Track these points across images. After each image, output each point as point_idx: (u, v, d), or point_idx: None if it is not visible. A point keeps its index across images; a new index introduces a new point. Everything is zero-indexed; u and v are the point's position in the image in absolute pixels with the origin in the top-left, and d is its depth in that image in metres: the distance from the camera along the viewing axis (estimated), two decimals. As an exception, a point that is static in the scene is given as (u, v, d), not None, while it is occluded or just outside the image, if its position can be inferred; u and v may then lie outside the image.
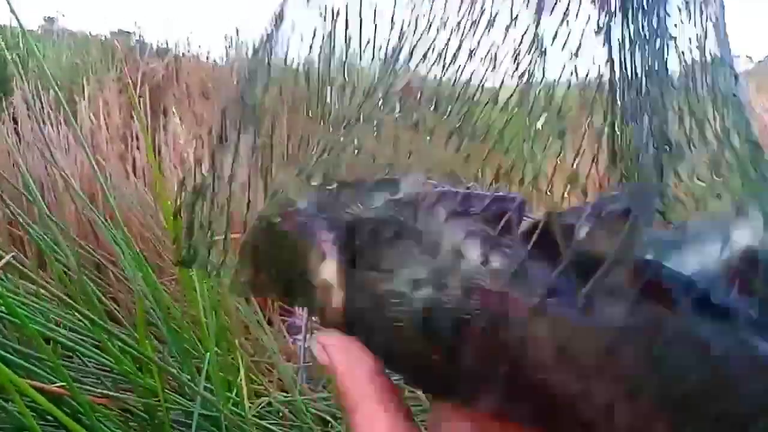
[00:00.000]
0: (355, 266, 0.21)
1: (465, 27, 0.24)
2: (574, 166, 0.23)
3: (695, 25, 0.22)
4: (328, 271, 0.22)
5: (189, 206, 0.27)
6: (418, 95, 0.25)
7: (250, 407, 0.79)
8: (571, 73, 0.23)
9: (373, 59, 0.26)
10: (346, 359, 0.20)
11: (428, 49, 0.25)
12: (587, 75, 0.22)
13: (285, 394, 0.90)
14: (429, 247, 0.19)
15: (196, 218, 0.27)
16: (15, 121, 1.95)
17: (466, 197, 0.20)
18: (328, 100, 0.27)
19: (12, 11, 0.71)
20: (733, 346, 0.15)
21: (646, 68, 0.21)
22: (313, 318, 0.23)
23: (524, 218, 0.19)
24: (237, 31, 4.63)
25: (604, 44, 0.21)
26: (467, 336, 0.18)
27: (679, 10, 0.22)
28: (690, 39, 0.22)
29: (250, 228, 0.25)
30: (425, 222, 0.20)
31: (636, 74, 0.21)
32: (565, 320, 0.16)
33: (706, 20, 0.22)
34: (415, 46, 0.25)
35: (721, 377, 0.15)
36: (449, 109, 0.25)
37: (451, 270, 0.18)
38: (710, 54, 0.22)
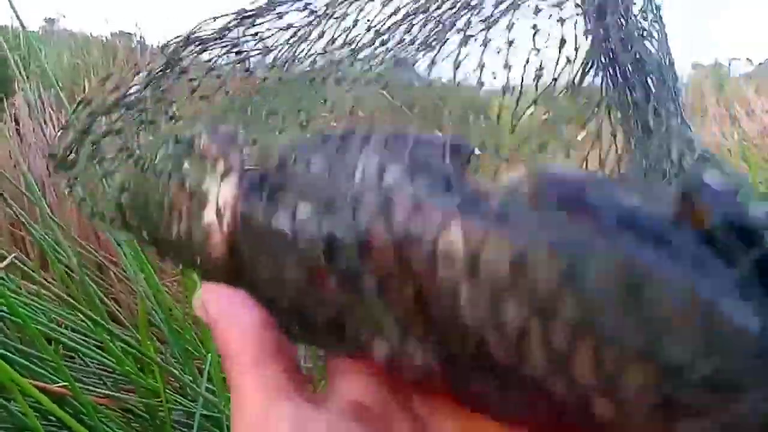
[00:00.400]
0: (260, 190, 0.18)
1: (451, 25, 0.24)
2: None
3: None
4: (227, 189, 0.19)
5: (100, 110, 0.24)
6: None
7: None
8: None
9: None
10: (225, 313, 0.18)
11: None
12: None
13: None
14: (348, 170, 0.17)
15: (99, 126, 0.24)
16: (17, 122, 1.95)
17: (407, 136, 0.17)
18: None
19: (13, 11, 0.71)
20: (669, 277, 0.13)
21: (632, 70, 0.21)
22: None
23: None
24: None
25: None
26: (373, 257, 0.16)
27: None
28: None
29: (143, 148, 0.22)
30: (351, 149, 0.17)
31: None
32: (478, 229, 0.15)
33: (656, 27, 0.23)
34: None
35: (650, 310, 0.13)
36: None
37: (367, 190, 0.16)
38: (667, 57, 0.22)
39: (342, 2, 0.26)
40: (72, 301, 0.71)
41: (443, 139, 0.17)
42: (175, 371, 0.71)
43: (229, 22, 0.25)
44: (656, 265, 0.13)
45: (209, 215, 0.19)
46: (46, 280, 0.82)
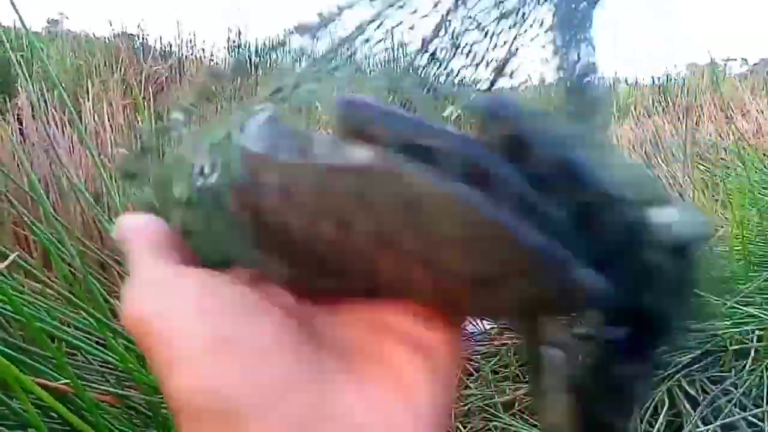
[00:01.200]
0: None
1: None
2: None
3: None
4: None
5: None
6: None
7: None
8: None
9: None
10: (132, 228, 0.21)
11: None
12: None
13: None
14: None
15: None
16: (20, 122, 1.96)
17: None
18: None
19: (16, 12, 0.71)
20: (431, 185, 0.16)
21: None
22: None
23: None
24: (239, 33, 4.65)
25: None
26: (236, 199, 0.19)
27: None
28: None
29: None
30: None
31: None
32: (286, 164, 0.18)
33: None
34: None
35: (420, 218, 0.16)
36: None
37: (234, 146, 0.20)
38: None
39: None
40: (75, 299, 0.71)
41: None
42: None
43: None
44: (426, 181, 0.16)
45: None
46: (49, 278, 0.83)
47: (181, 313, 0.18)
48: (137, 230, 0.21)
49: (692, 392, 1.05)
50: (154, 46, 4.28)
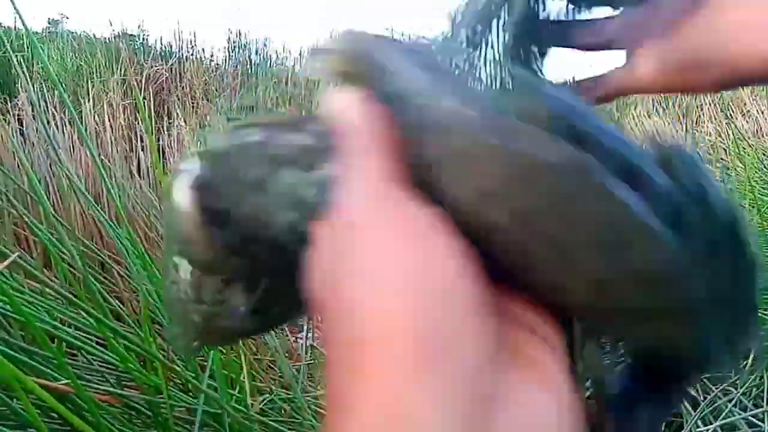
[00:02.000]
0: None
1: None
2: None
3: None
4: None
5: None
6: None
7: (252, 404, 0.79)
8: None
9: None
10: (356, 122, 0.19)
11: None
12: None
13: (287, 391, 0.90)
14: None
15: None
16: (20, 122, 1.97)
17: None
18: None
19: (17, 13, 0.71)
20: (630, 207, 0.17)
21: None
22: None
23: None
24: (239, 33, 4.65)
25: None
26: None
27: None
28: None
29: None
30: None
31: None
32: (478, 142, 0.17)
33: None
34: None
35: (620, 239, 0.17)
36: None
37: None
38: None
39: None
40: (75, 299, 0.71)
41: None
42: (177, 368, 0.71)
43: None
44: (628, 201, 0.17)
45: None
46: (49, 278, 0.83)
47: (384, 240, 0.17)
48: (361, 129, 0.19)
49: (692, 392, 1.05)
50: (154, 46, 4.28)
